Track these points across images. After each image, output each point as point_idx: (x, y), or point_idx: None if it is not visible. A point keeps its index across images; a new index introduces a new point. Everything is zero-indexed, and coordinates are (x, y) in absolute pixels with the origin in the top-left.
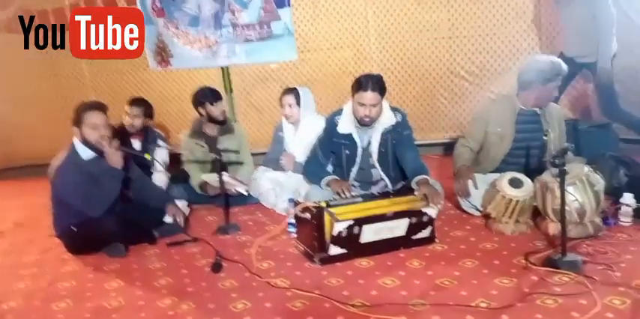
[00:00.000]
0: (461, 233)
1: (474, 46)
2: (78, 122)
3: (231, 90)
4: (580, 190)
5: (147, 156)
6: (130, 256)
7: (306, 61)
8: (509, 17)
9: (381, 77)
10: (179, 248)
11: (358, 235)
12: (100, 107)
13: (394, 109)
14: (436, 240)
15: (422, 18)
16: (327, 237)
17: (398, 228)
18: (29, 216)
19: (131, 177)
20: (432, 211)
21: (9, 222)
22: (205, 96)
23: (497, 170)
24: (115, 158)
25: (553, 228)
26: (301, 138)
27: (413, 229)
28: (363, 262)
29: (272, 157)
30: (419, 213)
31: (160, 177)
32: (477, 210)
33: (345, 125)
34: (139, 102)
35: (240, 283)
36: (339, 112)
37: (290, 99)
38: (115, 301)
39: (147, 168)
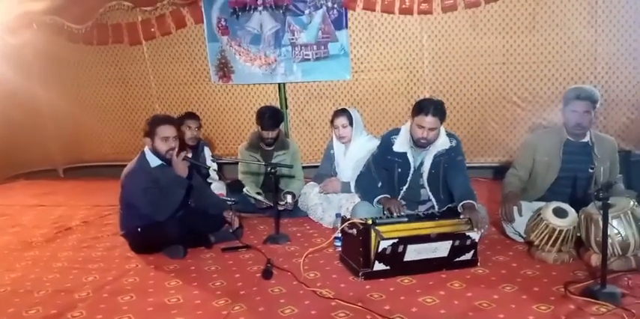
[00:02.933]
0: (503, 258)
1: (528, 73)
2: (150, 133)
3: (286, 106)
4: (624, 224)
5: (211, 168)
6: (188, 258)
7: (360, 81)
8: (565, 46)
9: (442, 103)
10: (233, 253)
11: (402, 253)
12: (172, 121)
13: (450, 135)
14: (478, 264)
15: (476, 43)
16: (372, 254)
17: (441, 249)
18: (95, 214)
19: (193, 185)
20: (475, 235)
21: (77, 219)
22: (263, 124)
23: (544, 198)
24: (181, 167)
25: (595, 259)
26: (351, 157)
27: (456, 251)
28: (405, 280)
29: (322, 174)
30: (462, 237)
31: (217, 186)
32: (521, 236)
33: (401, 144)
34: (194, 115)
35: (288, 290)
36: (396, 131)
37: (343, 120)
38: (174, 298)
39: (204, 177)
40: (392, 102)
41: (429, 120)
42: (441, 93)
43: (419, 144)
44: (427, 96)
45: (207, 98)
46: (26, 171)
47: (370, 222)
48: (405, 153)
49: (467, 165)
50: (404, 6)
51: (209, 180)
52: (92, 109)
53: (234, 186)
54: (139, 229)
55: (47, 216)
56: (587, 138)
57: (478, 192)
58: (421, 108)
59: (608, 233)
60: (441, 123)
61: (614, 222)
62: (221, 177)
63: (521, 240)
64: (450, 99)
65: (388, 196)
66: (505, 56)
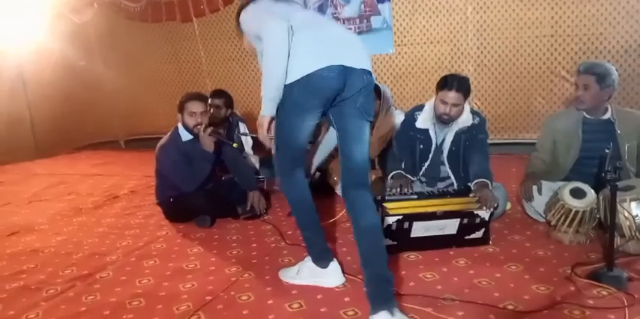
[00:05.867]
0: (519, 237)
1: (578, 46)
2: (181, 109)
3: None
4: None
5: (234, 145)
6: (214, 227)
7: (402, 54)
8: (619, 17)
9: (468, 79)
10: (254, 224)
11: (408, 230)
12: (200, 97)
13: (474, 112)
14: (490, 242)
15: (523, 15)
16: None
17: (449, 227)
18: (143, 184)
19: (223, 159)
20: (484, 214)
21: (126, 188)
22: None
23: (567, 179)
24: (207, 142)
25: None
26: (378, 131)
27: (465, 229)
28: (412, 255)
29: None
30: (471, 215)
31: (252, 160)
32: (542, 216)
33: (424, 120)
34: (220, 93)
35: (297, 260)
36: (419, 107)
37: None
38: (192, 264)
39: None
40: (435, 76)
41: (452, 95)
42: (485, 67)
43: (441, 119)
44: (471, 70)
45: (254, 73)
46: (92, 142)
47: (379, 198)
48: (427, 130)
49: (510, 141)
50: None
51: (244, 154)
52: (148, 84)
53: (267, 160)
54: (171, 199)
55: (101, 185)
56: (608, 115)
57: (520, 169)
58: (445, 83)
59: (626, 215)
60: (465, 100)
61: (633, 205)
62: (255, 152)
63: (543, 220)
64: (495, 74)
65: (402, 173)
66: (554, 28)
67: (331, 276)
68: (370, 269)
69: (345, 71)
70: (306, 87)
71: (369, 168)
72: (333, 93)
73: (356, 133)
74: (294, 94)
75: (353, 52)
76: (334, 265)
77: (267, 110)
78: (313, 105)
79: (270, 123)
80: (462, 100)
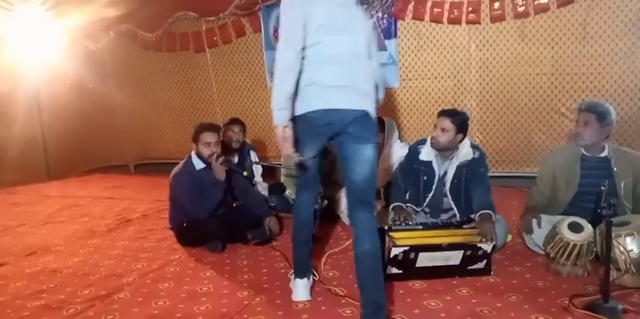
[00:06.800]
0: (519, 269)
1: (577, 84)
2: (195, 139)
3: None
4: (637, 241)
5: (245, 173)
6: (225, 252)
7: (407, 88)
8: (617, 57)
9: (464, 114)
10: (264, 250)
11: (414, 260)
12: (214, 128)
13: (474, 147)
14: (492, 273)
15: (524, 53)
16: (385, 258)
17: (453, 258)
18: (154, 208)
19: (234, 187)
20: (486, 246)
21: (138, 212)
22: None
23: (566, 213)
24: (219, 171)
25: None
26: (383, 163)
27: (468, 260)
28: (417, 284)
29: None
30: (474, 247)
31: (261, 188)
32: (541, 248)
33: (427, 153)
34: (238, 121)
35: None
36: (423, 141)
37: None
38: (205, 287)
39: (251, 179)
40: (438, 110)
41: (442, 121)
42: (487, 102)
43: (431, 143)
44: (473, 105)
45: (264, 103)
46: (102, 165)
47: (386, 227)
48: (431, 162)
49: (510, 174)
50: (452, 16)
51: (253, 182)
52: (160, 111)
53: (275, 188)
54: (185, 224)
55: (113, 208)
56: (605, 153)
57: (521, 202)
58: (442, 111)
59: (621, 250)
60: (458, 132)
61: (628, 240)
62: (264, 180)
63: (542, 252)
64: (497, 109)
65: (402, 205)
66: (554, 66)
67: (296, 289)
68: (365, 296)
69: (329, 112)
70: (301, 123)
71: (374, 187)
72: (320, 129)
73: (352, 155)
74: (297, 128)
75: (346, 94)
76: (303, 281)
77: (278, 119)
78: (309, 137)
79: (287, 132)
80: (451, 128)
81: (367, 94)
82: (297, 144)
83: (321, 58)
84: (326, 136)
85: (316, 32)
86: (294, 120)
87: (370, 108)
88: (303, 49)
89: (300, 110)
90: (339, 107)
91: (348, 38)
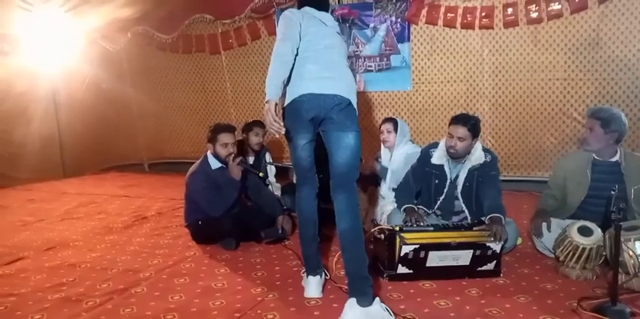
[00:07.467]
0: (528, 271)
1: (590, 90)
2: (212, 140)
3: None
4: None
5: (260, 174)
6: (239, 250)
7: (420, 92)
8: (630, 63)
9: (477, 118)
10: (277, 248)
11: (424, 259)
12: (230, 129)
13: (486, 150)
14: (501, 274)
15: (537, 58)
16: (396, 257)
17: (462, 258)
18: (169, 206)
19: (247, 186)
20: (495, 246)
21: (153, 210)
22: None
23: (576, 216)
24: (235, 171)
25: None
26: (395, 163)
27: (477, 261)
28: (427, 284)
29: None
30: (483, 247)
31: (274, 188)
32: (551, 251)
33: (439, 157)
34: (260, 123)
35: None
36: (435, 145)
37: (389, 126)
38: (220, 283)
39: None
40: (450, 113)
41: (458, 129)
42: (500, 106)
43: (449, 153)
44: (485, 109)
45: None
46: (118, 164)
47: (397, 228)
48: (442, 166)
49: (522, 178)
50: (465, 21)
51: (267, 182)
52: (175, 111)
53: (288, 188)
54: (200, 222)
55: (129, 206)
56: (616, 157)
57: (531, 206)
58: (455, 118)
59: (630, 254)
60: (473, 138)
61: (637, 244)
62: (277, 181)
63: (552, 255)
64: (509, 113)
65: (413, 207)
66: (567, 72)
67: (308, 286)
68: (348, 269)
69: (315, 96)
70: (290, 111)
71: (354, 171)
72: (308, 113)
73: (334, 142)
74: (287, 119)
75: (329, 82)
76: (315, 279)
77: (270, 94)
78: (299, 124)
79: (274, 107)
80: (467, 135)
81: (349, 86)
82: (289, 133)
83: (308, 62)
84: (313, 122)
85: (306, 43)
86: (284, 111)
87: (352, 98)
88: (297, 52)
89: (288, 98)
90: (323, 92)
91: (331, 50)
